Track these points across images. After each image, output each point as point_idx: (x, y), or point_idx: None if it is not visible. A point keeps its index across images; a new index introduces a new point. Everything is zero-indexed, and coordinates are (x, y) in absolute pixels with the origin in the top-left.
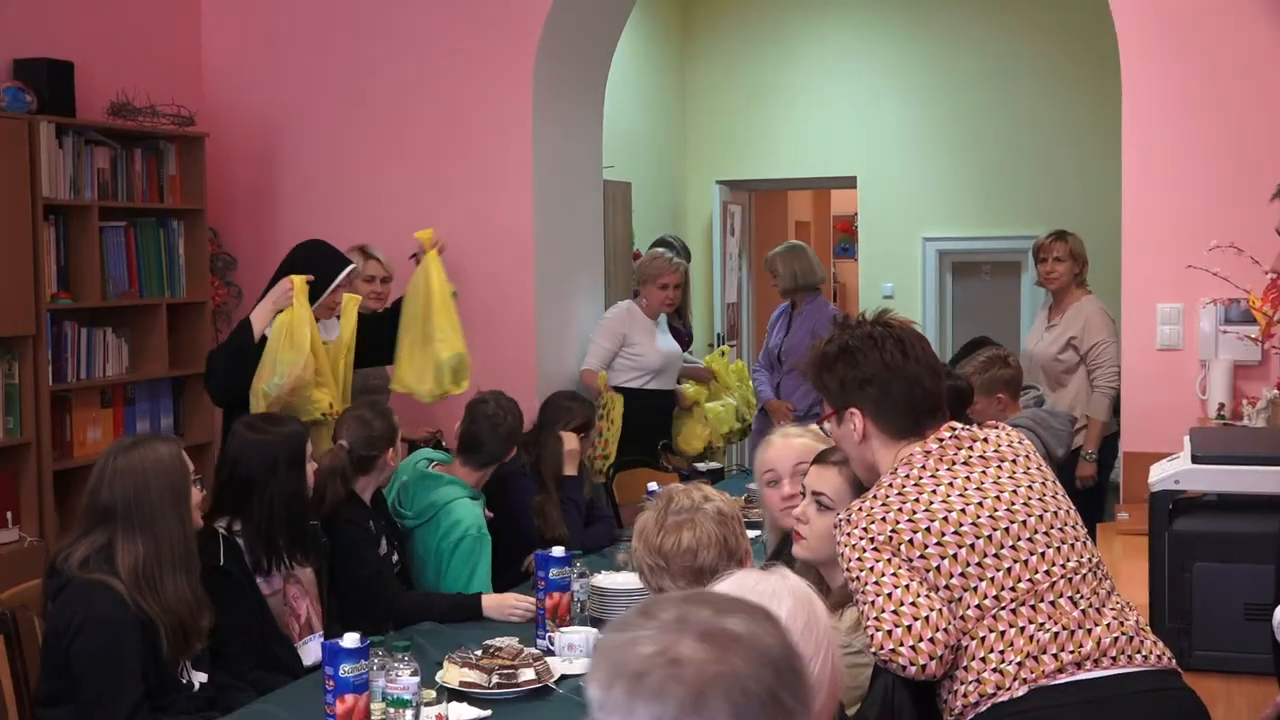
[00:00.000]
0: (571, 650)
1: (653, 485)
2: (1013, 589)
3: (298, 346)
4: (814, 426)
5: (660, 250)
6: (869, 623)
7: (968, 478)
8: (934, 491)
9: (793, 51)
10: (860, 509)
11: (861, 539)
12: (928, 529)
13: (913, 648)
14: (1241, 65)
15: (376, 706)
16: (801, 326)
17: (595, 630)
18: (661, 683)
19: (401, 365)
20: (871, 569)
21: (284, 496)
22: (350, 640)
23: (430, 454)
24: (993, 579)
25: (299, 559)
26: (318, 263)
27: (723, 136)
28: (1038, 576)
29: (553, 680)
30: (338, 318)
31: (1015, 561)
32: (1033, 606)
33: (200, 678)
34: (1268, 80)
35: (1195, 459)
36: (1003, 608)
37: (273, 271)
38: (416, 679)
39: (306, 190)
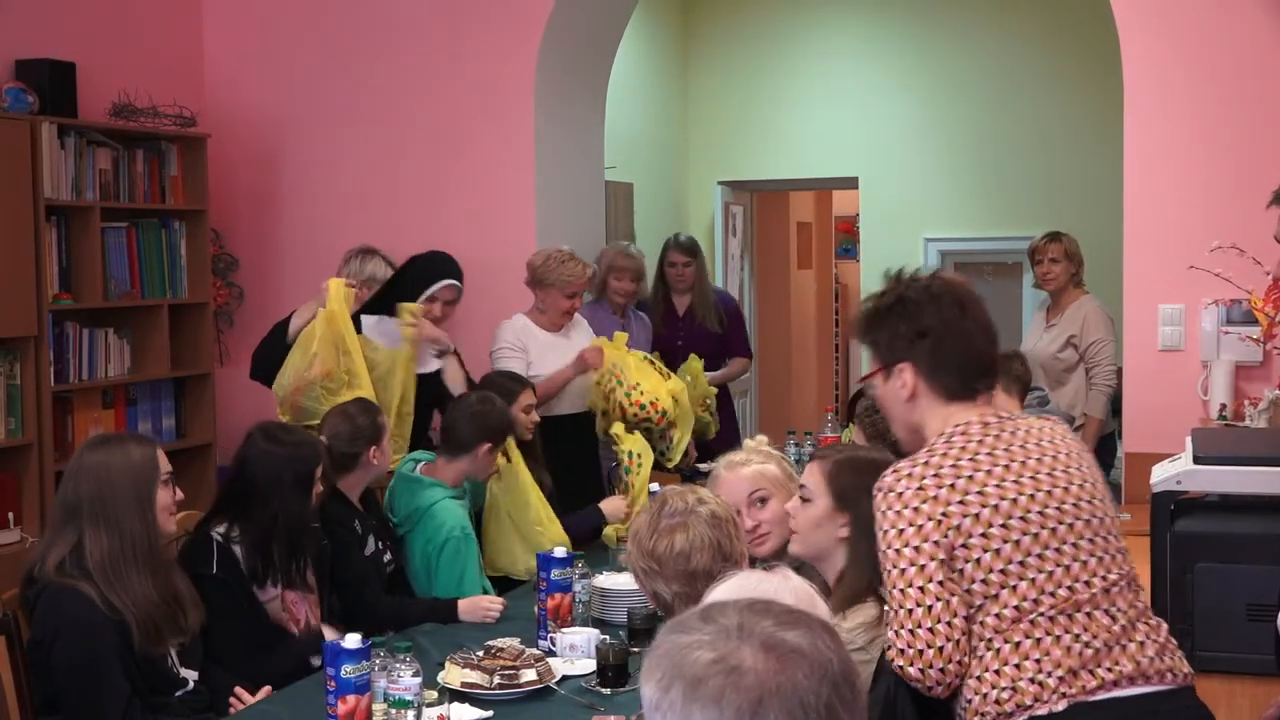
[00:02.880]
0: (573, 651)
1: (654, 486)
2: (1051, 594)
3: (304, 347)
4: (756, 440)
5: (567, 250)
6: (896, 627)
7: (1024, 463)
8: (989, 472)
9: (794, 52)
10: (910, 474)
11: (909, 518)
12: (977, 515)
13: (941, 669)
14: (1242, 65)
15: (378, 707)
16: (637, 336)
17: (597, 631)
18: (721, 689)
19: (500, 555)
20: (917, 568)
21: (286, 515)
22: (352, 641)
23: (420, 455)
24: (1033, 580)
25: (293, 575)
26: (413, 270)
27: (724, 137)
28: (1077, 585)
29: (554, 681)
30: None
31: (1057, 566)
32: (1069, 616)
33: (191, 675)
34: (1268, 80)
35: (1197, 459)
36: (1040, 613)
37: (273, 272)
38: (418, 680)
39: (308, 191)
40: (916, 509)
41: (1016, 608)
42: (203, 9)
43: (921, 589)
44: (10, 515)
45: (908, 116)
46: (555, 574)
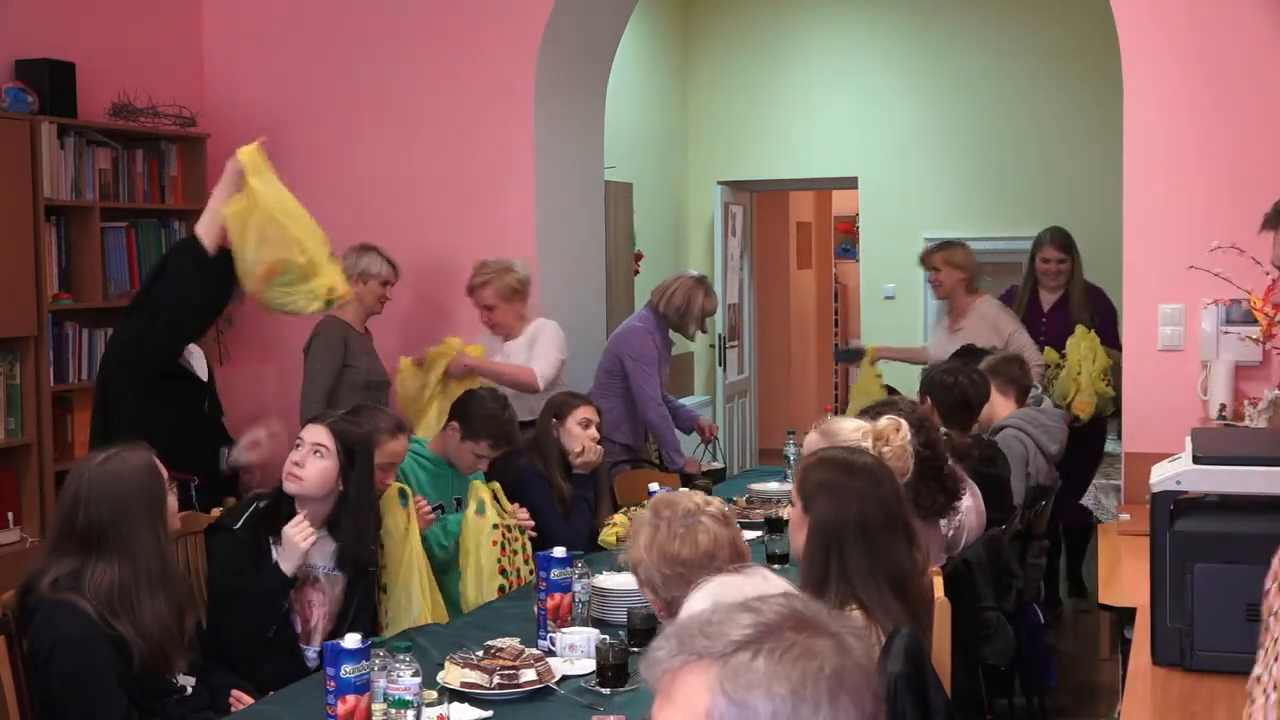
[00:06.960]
0: (573, 651)
1: (654, 486)
2: None
3: (239, 246)
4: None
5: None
6: None
7: None
8: None
9: (794, 52)
10: None
11: None
12: None
13: None
14: (1242, 65)
15: (378, 707)
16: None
17: (597, 631)
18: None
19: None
20: None
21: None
22: (351, 641)
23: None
24: None
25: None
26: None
27: (724, 137)
28: None
29: (554, 681)
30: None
31: None
32: None
33: (189, 682)
34: (1268, 80)
35: (1197, 460)
36: None
37: None
38: (418, 680)
39: (308, 191)
40: None
41: None
42: (202, 9)
43: None
44: (10, 515)
45: (907, 116)
46: (555, 574)
